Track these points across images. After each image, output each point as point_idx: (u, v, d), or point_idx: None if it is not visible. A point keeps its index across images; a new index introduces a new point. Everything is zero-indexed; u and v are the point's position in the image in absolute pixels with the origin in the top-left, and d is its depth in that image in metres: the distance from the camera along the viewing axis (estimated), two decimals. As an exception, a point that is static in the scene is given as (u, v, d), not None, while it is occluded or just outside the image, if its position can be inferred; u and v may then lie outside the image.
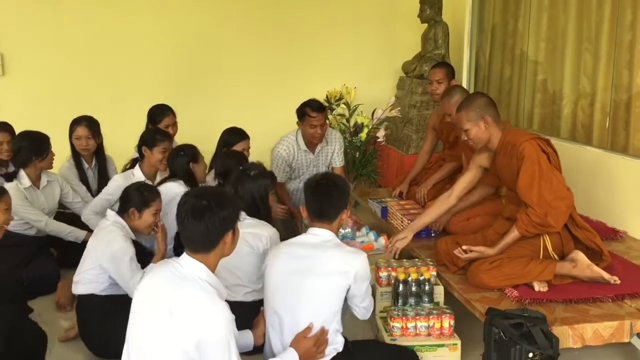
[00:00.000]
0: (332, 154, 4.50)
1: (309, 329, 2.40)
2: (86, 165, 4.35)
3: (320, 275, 2.44)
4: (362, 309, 2.61)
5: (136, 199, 3.10)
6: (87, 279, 3.02)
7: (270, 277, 2.55)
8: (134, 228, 3.12)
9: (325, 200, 2.55)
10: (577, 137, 4.42)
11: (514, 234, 2.98)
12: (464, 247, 3.04)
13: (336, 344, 2.48)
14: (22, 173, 3.80)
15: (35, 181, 3.88)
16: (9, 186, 3.69)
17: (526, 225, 2.93)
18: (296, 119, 4.33)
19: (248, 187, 2.95)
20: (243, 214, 2.93)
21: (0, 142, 4.15)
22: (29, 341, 2.72)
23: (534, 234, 2.98)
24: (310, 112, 4.15)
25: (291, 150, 4.33)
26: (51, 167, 3.98)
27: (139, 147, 3.91)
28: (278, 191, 4.24)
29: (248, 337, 2.50)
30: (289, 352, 2.35)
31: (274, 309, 2.51)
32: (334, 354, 2.46)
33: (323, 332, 2.41)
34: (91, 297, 3.01)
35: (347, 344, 2.53)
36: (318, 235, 2.56)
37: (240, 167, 3.12)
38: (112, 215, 3.10)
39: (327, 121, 4.40)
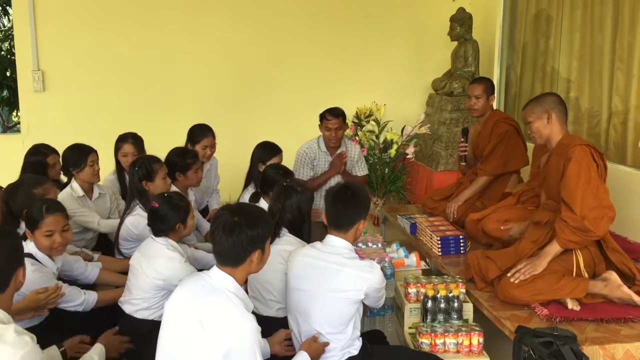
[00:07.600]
0: (352, 161, 4.66)
1: (315, 337, 2.48)
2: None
3: (331, 291, 2.49)
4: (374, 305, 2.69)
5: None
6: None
7: (288, 281, 2.64)
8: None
9: (340, 208, 2.59)
10: (610, 155, 4.39)
11: (554, 248, 2.96)
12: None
13: (350, 347, 2.53)
14: (74, 183, 3.90)
15: (88, 192, 3.95)
16: (62, 194, 3.80)
17: (566, 233, 2.91)
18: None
19: (295, 201, 3.00)
20: (284, 230, 2.98)
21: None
22: None
23: (575, 244, 2.94)
24: (328, 115, 4.46)
25: (313, 149, 4.60)
26: (95, 179, 3.96)
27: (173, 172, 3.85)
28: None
29: (265, 346, 2.52)
30: (301, 355, 2.41)
31: (291, 311, 2.62)
32: (347, 357, 2.51)
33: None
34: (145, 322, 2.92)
35: (366, 347, 2.56)
36: (333, 245, 2.60)
37: (284, 183, 3.17)
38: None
39: (344, 128, 4.58)
